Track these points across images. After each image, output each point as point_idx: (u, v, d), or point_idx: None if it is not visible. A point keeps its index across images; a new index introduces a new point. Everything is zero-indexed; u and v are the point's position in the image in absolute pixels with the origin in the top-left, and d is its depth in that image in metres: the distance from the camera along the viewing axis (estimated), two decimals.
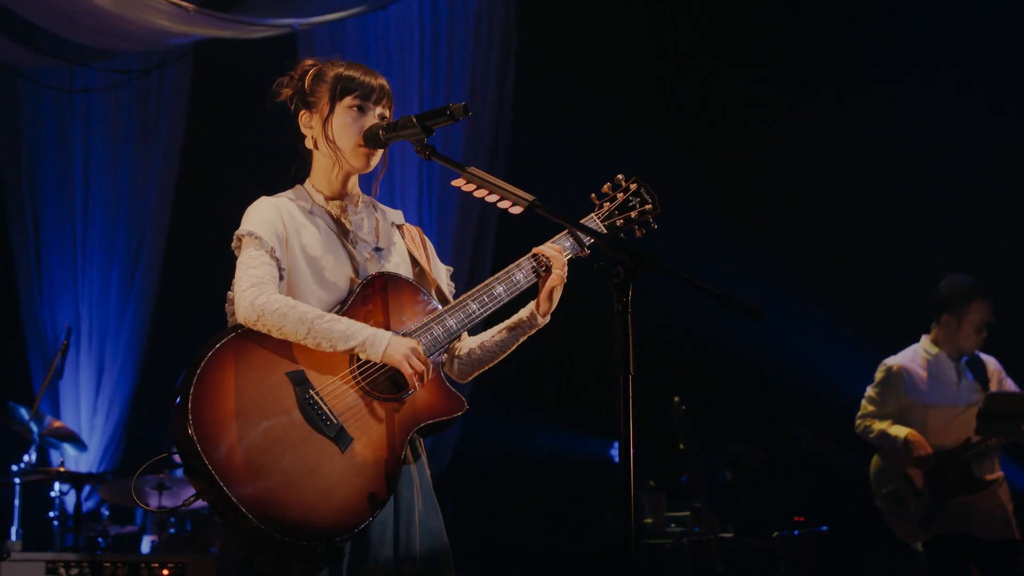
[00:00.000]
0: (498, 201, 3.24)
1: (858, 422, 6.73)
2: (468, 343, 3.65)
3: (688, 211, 8.71)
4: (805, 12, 8.88)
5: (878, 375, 6.78)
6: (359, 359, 3.26)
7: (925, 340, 6.77)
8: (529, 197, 3.16)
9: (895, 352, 6.85)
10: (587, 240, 3.57)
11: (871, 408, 6.73)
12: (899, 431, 6.54)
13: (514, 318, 3.61)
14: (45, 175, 9.07)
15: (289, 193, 3.50)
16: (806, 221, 8.70)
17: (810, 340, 8.42)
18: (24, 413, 7.25)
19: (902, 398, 6.66)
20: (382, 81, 3.50)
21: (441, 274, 3.65)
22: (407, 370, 3.21)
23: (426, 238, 3.70)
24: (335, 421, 3.17)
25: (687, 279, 2.85)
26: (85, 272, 8.99)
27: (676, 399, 7.38)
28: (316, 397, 3.18)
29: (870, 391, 6.78)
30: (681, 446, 7.31)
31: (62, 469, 7.15)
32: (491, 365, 3.65)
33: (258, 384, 3.14)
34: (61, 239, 9.00)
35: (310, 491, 3.10)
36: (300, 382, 3.18)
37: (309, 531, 3.08)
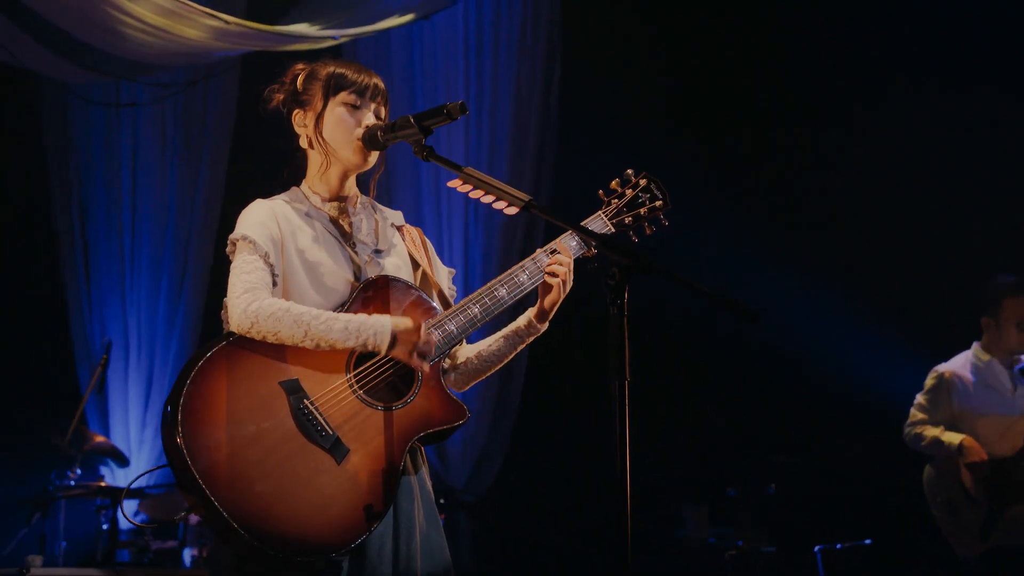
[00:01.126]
0: (494, 202, 3.13)
1: (907, 430, 6.50)
2: (465, 351, 3.54)
3: (736, 214, 8.58)
4: (855, 9, 8.68)
5: (928, 382, 6.56)
6: (355, 366, 3.16)
7: (976, 347, 6.55)
8: (525, 197, 3.04)
9: (948, 358, 6.62)
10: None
11: (921, 416, 6.49)
12: (953, 437, 6.31)
13: (511, 326, 3.50)
14: (93, 189, 9.10)
15: (285, 195, 3.41)
16: (856, 222, 8.49)
17: (860, 347, 8.20)
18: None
19: (952, 406, 6.43)
20: (376, 80, 3.41)
21: (443, 277, 3.54)
22: (416, 363, 3.14)
23: (427, 239, 3.60)
24: (330, 432, 3.07)
25: (683, 280, 2.72)
26: (133, 285, 9.00)
27: (712, 409, 7.22)
28: (311, 407, 3.07)
29: (920, 398, 6.55)
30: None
31: (102, 484, 7.14)
32: (488, 374, 3.54)
33: (250, 394, 3.04)
34: (109, 253, 9.02)
35: (304, 505, 2.99)
36: (294, 391, 3.07)
37: (303, 546, 2.98)
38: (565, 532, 8.51)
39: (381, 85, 3.42)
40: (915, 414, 6.52)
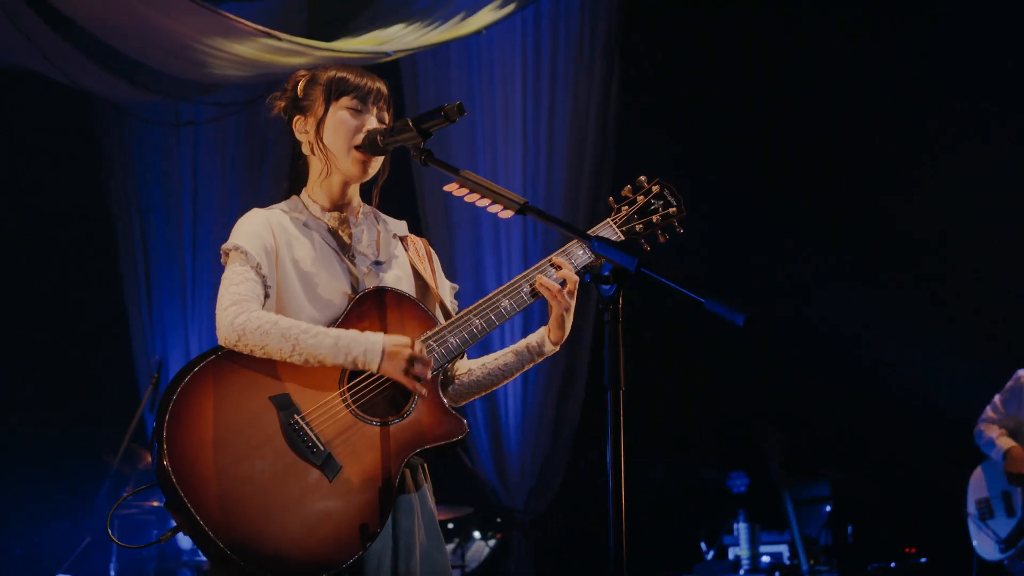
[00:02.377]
0: (489, 205, 2.99)
1: (976, 425, 6.32)
2: (467, 363, 3.39)
3: (800, 225, 8.35)
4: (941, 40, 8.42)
5: (1009, 383, 6.38)
6: (349, 379, 3.03)
7: None
8: (520, 200, 2.91)
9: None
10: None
11: (992, 414, 6.35)
12: (1005, 442, 6.11)
13: (523, 342, 3.36)
14: (154, 209, 9.15)
15: (283, 205, 3.29)
16: (927, 232, 8.21)
17: (926, 358, 7.91)
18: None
19: (1021, 413, 6.21)
20: (380, 84, 3.29)
21: (445, 291, 3.40)
22: (408, 383, 2.99)
23: (431, 251, 3.46)
24: (322, 448, 2.94)
25: (676, 284, 2.56)
26: (194, 304, 9.02)
27: (767, 424, 7.00)
28: (301, 422, 2.95)
29: (996, 397, 6.40)
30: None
31: (156, 504, 7.12)
32: (490, 390, 3.39)
33: (238, 409, 2.93)
34: (170, 272, 9.05)
35: (295, 524, 2.88)
36: (285, 406, 2.96)
37: (294, 567, 2.86)
38: (630, 547, 8.31)
39: (384, 89, 3.30)
40: (987, 411, 6.43)
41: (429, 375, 3.02)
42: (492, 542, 7.89)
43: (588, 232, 3.26)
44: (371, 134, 3.17)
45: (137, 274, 9.06)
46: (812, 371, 8.13)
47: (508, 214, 2.95)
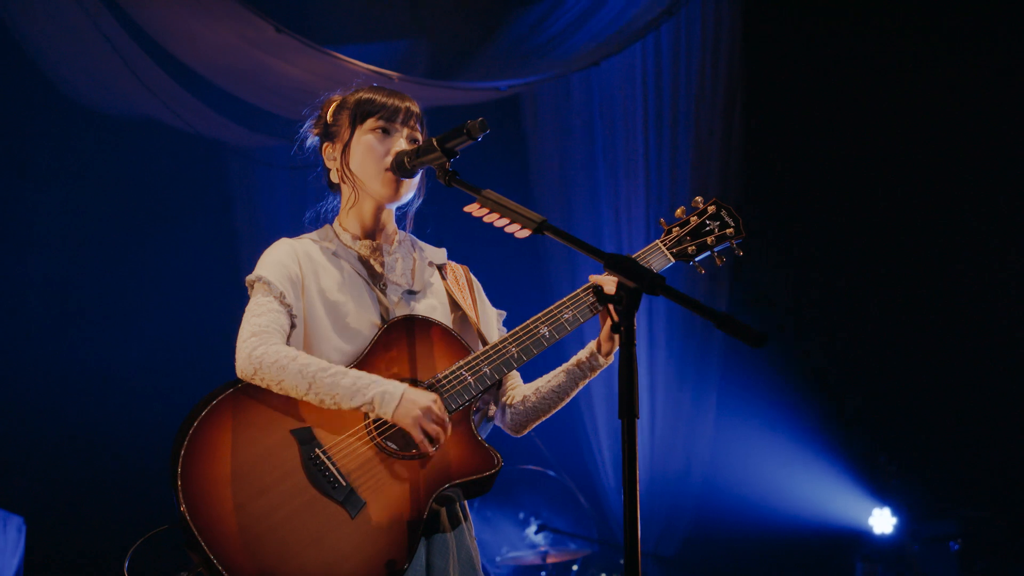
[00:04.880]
0: (507, 225, 2.83)
1: None
2: (522, 390, 3.21)
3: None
4: None
5: None
6: None
7: None
8: (538, 218, 2.74)
9: None
10: (657, 265, 3.11)
11: None
12: None
13: (573, 359, 3.16)
14: None
15: (313, 234, 3.18)
16: None
17: None
18: None
19: None
20: (409, 103, 3.13)
21: (489, 319, 3.23)
22: (418, 436, 2.81)
23: (473, 278, 3.30)
24: (344, 483, 2.80)
25: (690, 302, 2.38)
26: None
27: (883, 457, 6.61)
28: (322, 456, 2.82)
29: None
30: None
31: None
32: (549, 415, 3.21)
33: (257, 443, 2.81)
34: None
35: (314, 563, 2.74)
36: (306, 440, 2.83)
37: None
38: None
39: (414, 108, 3.14)
40: None
41: (443, 437, 2.85)
42: None
43: (634, 255, 3.09)
44: (399, 156, 3.04)
45: None
46: (934, 399, 7.72)
47: (525, 233, 2.79)
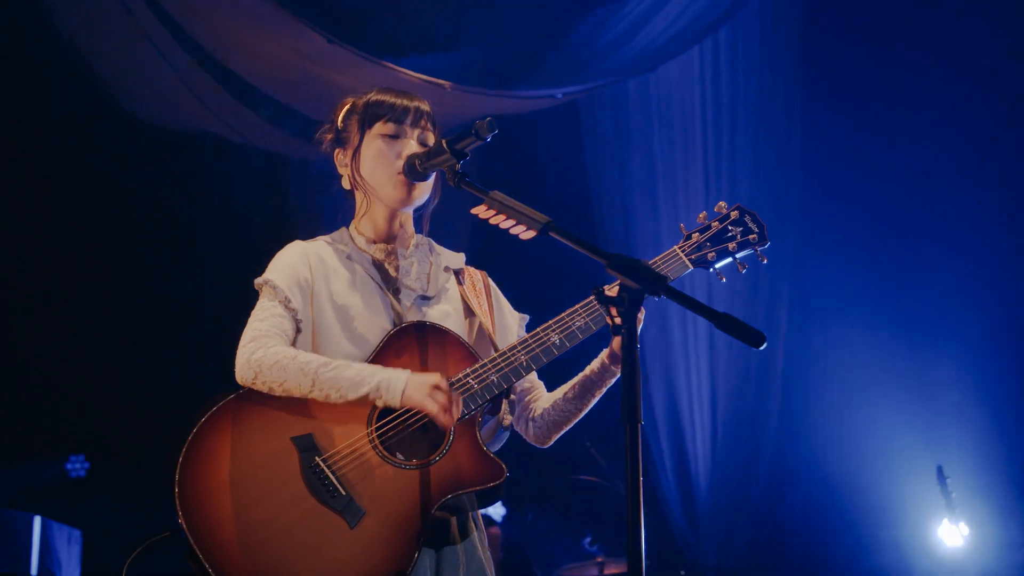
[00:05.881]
0: (512, 227, 2.75)
1: None
2: (543, 402, 3.14)
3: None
4: None
5: None
6: (378, 419, 2.83)
7: None
8: (544, 219, 2.66)
9: None
10: (668, 276, 3.02)
11: None
12: None
13: (586, 370, 3.08)
14: None
15: (328, 236, 3.12)
16: None
17: None
18: None
19: None
20: (418, 103, 3.06)
21: (507, 324, 3.15)
22: (432, 408, 2.75)
23: (491, 283, 3.22)
24: (343, 492, 2.75)
25: (692, 302, 2.30)
26: None
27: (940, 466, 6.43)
28: (322, 464, 2.76)
29: None
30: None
31: None
32: (570, 425, 3.12)
33: (257, 451, 2.76)
34: None
35: (312, 573, 2.69)
36: (306, 448, 2.77)
37: None
38: None
39: (424, 107, 3.07)
40: None
41: (456, 412, 2.79)
42: None
43: (650, 261, 3.01)
44: (410, 159, 2.97)
45: None
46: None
47: (531, 235, 2.71)
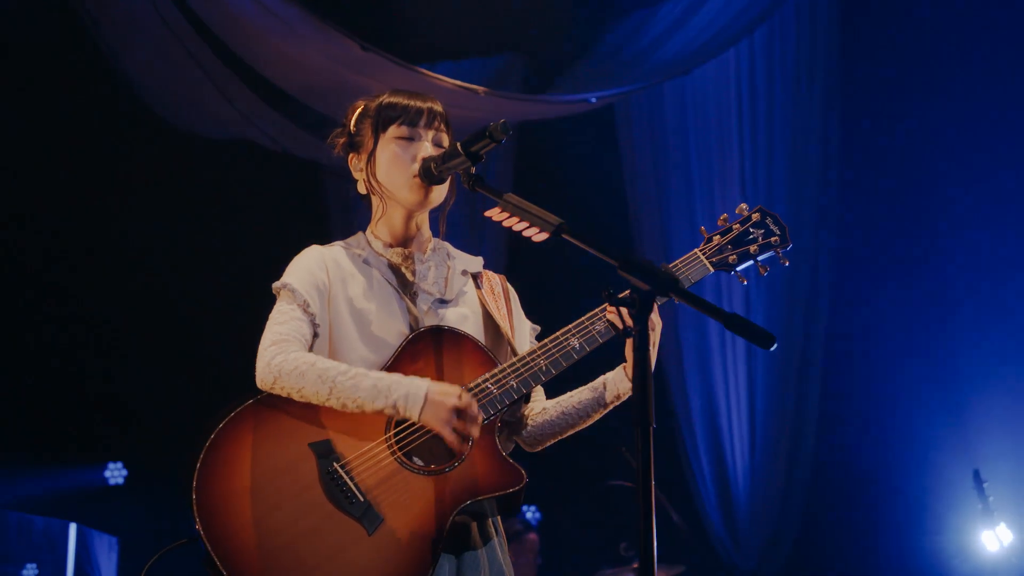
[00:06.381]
0: (525, 229, 2.73)
1: None
2: (543, 405, 3.10)
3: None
4: None
5: None
6: (396, 424, 2.81)
7: None
8: (556, 220, 2.65)
9: None
10: (689, 279, 2.98)
11: None
12: None
13: (599, 379, 3.05)
14: None
15: (343, 241, 3.10)
16: None
17: None
18: None
19: None
20: (431, 103, 3.02)
21: (523, 331, 3.13)
22: (449, 436, 2.73)
23: (510, 288, 3.19)
24: (361, 498, 2.73)
25: (701, 303, 2.28)
26: None
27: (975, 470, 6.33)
28: (340, 471, 2.75)
29: None
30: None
31: None
32: (568, 433, 3.08)
33: (276, 457, 2.75)
34: None
35: None
36: (324, 454, 2.76)
37: None
38: None
39: (437, 108, 3.03)
40: None
41: (476, 433, 2.76)
42: None
43: (671, 264, 2.98)
44: (425, 163, 2.95)
45: None
46: None
47: (543, 237, 2.69)
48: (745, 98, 8.56)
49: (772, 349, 2.25)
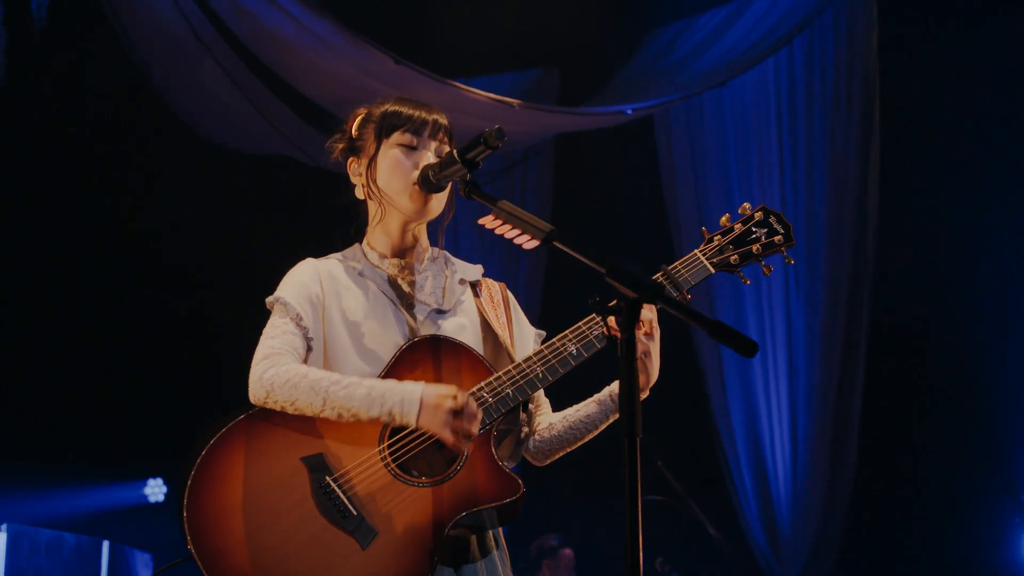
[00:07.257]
0: (517, 236, 2.69)
1: None
2: (549, 418, 3.04)
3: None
4: None
5: None
6: (390, 436, 2.76)
7: None
8: (546, 227, 2.59)
9: None
10: (689, 281, 2.91)
11: None
12: None
13: (606, 390, 2.98)
14: None
15: (340, 254, 3.06)
16: None
17: None
18: None
19: None
20: (436, 115, 2.99)
21: (526, 339, 3.07)
22: (448, 438, 2.67)
23: (510, 296, 3.14)
24: (354, 512, 2.69)
25: (684, 309, 2.22)
26: None
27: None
28: (333, 484, 2.71)
29: None
30: None
31: None
32: (576, 445, 3.02)
33: (267, 472, 2.71)
34: None
35: None
36: (317, 468, 2.72)
37: None
38: None
39: (442, 120, 3.00)
40: None
41: (476, 431, 2.71)
42: None
43: (670, 267, 2.92)
44: (424, 170, 2.90)
45: None
46: None
47: (534, 244, 2.64)
48: (784, 107, 8.48)
49: (752, 358, 2.18)
